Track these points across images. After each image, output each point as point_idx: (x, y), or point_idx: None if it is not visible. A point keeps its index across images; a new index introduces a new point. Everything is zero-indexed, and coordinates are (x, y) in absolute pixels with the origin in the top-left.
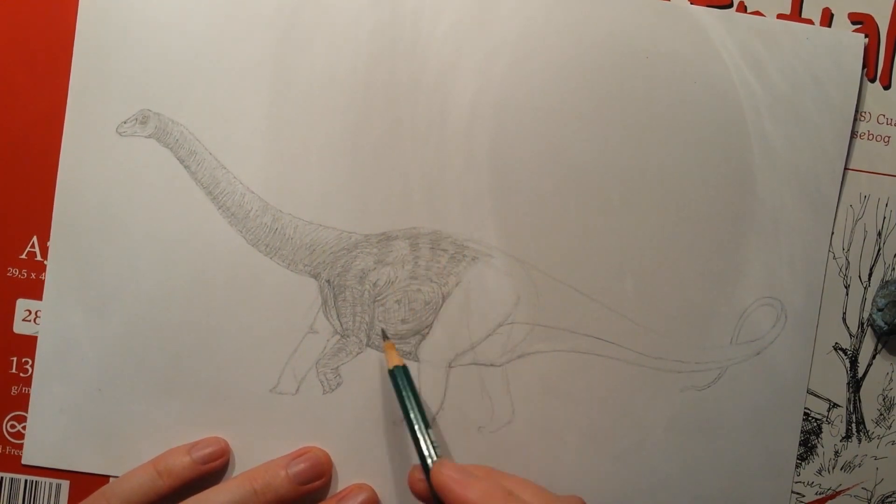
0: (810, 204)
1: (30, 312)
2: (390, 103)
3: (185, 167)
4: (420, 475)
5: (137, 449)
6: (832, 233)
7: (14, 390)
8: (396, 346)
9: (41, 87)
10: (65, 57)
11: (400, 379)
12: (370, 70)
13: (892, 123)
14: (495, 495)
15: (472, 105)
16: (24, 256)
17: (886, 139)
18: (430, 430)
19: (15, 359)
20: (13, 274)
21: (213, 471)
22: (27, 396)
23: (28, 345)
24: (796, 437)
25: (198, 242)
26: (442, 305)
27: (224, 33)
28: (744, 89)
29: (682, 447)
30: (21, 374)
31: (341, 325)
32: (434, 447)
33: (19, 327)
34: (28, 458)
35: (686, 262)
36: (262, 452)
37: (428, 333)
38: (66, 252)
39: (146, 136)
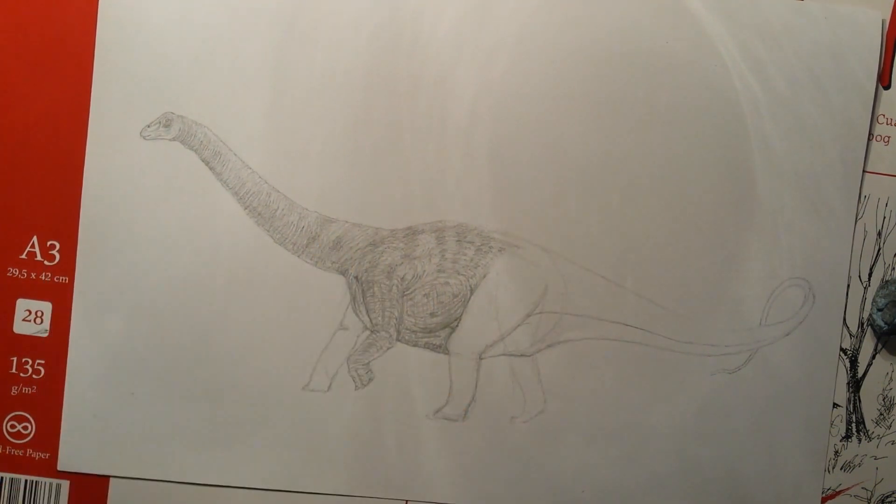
0: (849, 170)
1: (30, 312)
2: (391, 102)
3: (210, 168)
4: None
5: (172, 452)
6: (857, 216)
7: (14, 390)
8: (426, 339)
9: (49, 89)
10: (85, 61)
11: None
12: (371, 69)
13: (892, 123)
14: None
15: (472, 104)
16: (24, 256)
17: (886, 139)
18: None
19: (15, 359)
20: (13, 274)
21: None
22: (28, 396)
23: (28, 345)
24: (828, 417)
25: (225, 244)
26: (470, 297)
27: (226, 32)
28: (742, 84)
29: (714, 431)
30: (21, 375)
31: (371, 321)
32: None
33: (19, 327)
34: (63, 464)
35: (711, 245)
36: (295, 450)
37: (457, 326)
38: (94, 257)
39: (170, 139)
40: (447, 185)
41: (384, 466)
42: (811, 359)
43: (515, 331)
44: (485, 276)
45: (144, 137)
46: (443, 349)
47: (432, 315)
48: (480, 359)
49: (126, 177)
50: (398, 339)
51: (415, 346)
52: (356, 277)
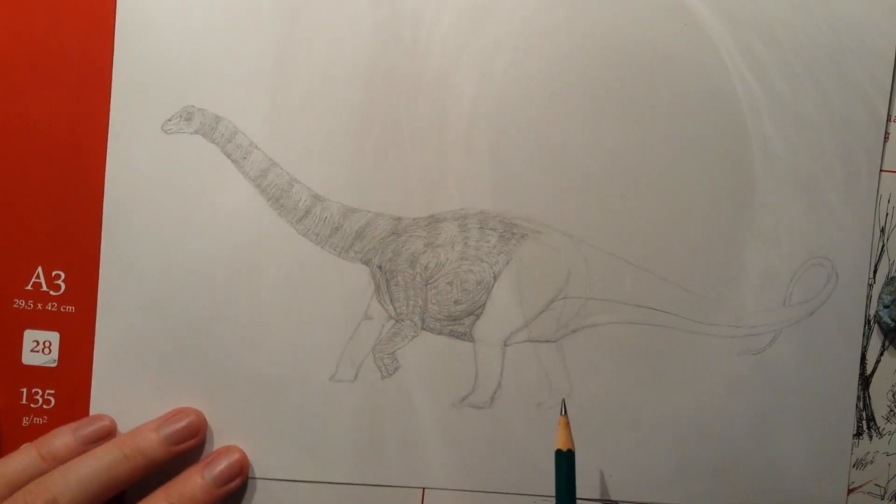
0: (849, 168)
1: (38, 343)
2: (391, 101)
3: (233, 161)
4: None
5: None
6: (878, 194)
7: (25, 421)
8: (451, 327)
9: (57, 118)
10: (104, 68)
11: (562, 465)
12: (371, 69)
13: (892, 120)
14: None
15: (472, 103)
16: (29, 287)
17: (886, 135)
18: None
19: (25, 390)
20: (19, 305)
21: None
22: (40, 427)
23: (38, 375)
24: (854, 393)
25: (246, 236)
26: (494, 284)
27: (225, 32)
28: (742, 84)
29: (741, 411)
30: (32, 405)
31: (395, 310)
32: None
33: (28, 358)
34: None
35: (734, 226)
36: (320, 440)
37: (482, 313)
38: (117, 254)
39: (191, 133)
40: (447, 183)
41: (408, 455)
42: (835, 337)
43: (540, 317)
44: (508, 263)
45: (166, 131)
46: (468, 337)
47: (456, 303)
48: (505, 345)
49: (151, 174)
50: (423, 328)
51: (440, 334)
52: (380, 267)
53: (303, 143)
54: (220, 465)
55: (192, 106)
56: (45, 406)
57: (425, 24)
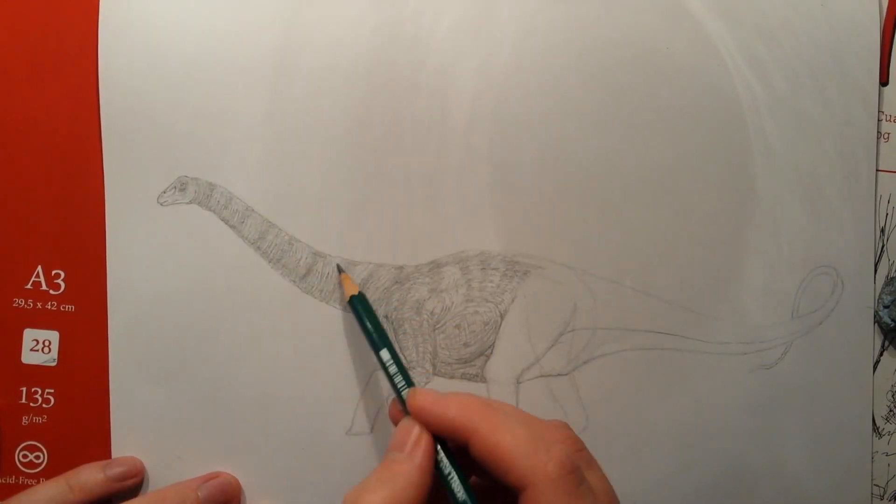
0: (849, 169)
1: (37, 342)
2: (391, 102)
3: (231, 227)
4: (399, 407)
5: None
6: (878, 195)
7: (25, 420)
8: (462, 370)
9: (53, 111)
10: (88, 63)
11: (362, 307)
12: (371, 69)
13: (892, 120)
14: (473, 405)
15: (472, 104)
16: (29, 286)
17: (886, 136)
18: (399, 358)
19: (24, 389)
20: (19, 304)
21: (126, 489)
22: (39, 426)
23: (37, 374)
24: (869, 399)
25: (254, 297)
26: (501, 323)
27: (225, 33)
28: (742, 83)
29: (759, 428)
30: (31, 404)
31: (405, 358)
32: (407, 376)
33: (28, 357)
34: None
35: (736, 234)
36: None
37: (492, 353)
38: (126, 328)
39: (187, 203)
40: (447, 184)
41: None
42: (846, 344)
43: (550, 351)
44: (513, 301)
45: (162, 204)
46: (480, 378)
47: (466, 345)
48: (518, 383)
49: (152, 246)
50: (434, 374)
51: (452, 378)
52: (386, 317)
53: (302, 145)
54: (213, 488)
55: (186, 176)
56: (44, 405)
57: (426, 25)
